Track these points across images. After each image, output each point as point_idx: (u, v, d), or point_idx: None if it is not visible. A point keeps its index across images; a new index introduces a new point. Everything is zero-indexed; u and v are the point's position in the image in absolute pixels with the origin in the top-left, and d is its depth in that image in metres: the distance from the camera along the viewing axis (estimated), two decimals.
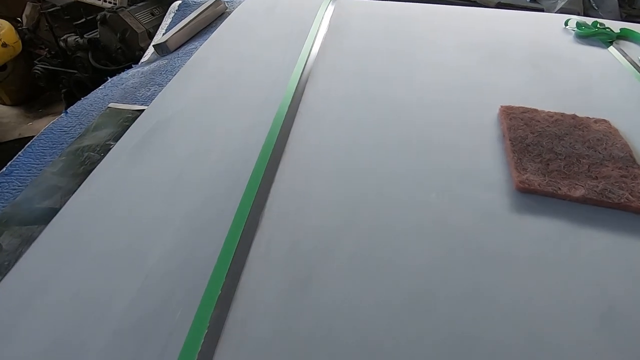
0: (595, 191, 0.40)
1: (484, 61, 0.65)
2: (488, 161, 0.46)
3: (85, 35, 2.23)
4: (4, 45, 2.11)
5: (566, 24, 0.77)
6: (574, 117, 0.51)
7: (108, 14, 2.16)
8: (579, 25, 0.75)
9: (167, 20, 0.98)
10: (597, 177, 0.42)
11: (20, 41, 2.18)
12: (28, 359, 0.29)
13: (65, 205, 0.41)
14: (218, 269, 0.34)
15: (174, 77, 0.61)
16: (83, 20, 2.04)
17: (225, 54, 0.67)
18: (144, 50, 2.35)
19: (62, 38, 2.03)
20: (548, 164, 0.43)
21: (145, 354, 0.28)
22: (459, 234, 0.38)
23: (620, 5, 1.79)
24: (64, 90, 2.11)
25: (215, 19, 0.89)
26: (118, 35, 2.19)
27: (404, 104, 0.55)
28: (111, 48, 2.22)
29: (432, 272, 0.34)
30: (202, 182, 0.43)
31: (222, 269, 0.34)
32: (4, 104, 2.35)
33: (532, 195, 0.41)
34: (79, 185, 0.44)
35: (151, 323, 0.30)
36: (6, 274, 0.37)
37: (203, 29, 0.86)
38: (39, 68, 2.18)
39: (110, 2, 2.55)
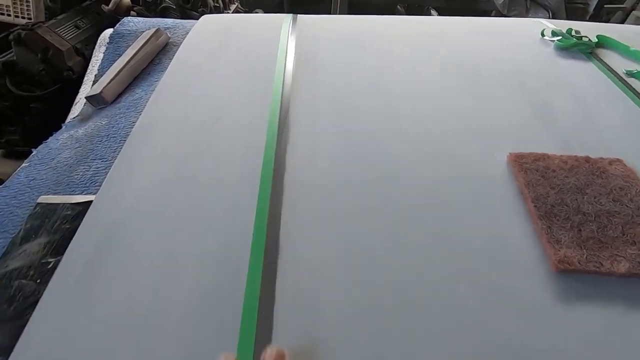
0: (638, 262, 0.36)
1: (471, 91, 0.59)
2: (513, 230, 0.40)
3: None
4: None
5: (542, 34, 0.73)
6: (587, 159, 0.46)
7: (23, 32, 1.88)
8: (554, 33, 0.72)
9: (97, 54, 0.83)
10: (634, 241, 0.38)
11: None
12: None
13: None
14: None
15: (122, 150, 0.48)
16: None
17: (180, 110, 0.56)
18: (72, 69, 2.09)
19: None
20: (580, 231, 0.39)
21: None
22: (498, 337, 0.32)
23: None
24: None
25: (158, 53, 0.76)
26: (39, 55, 1.91)
27: (397, 161, 0.47)
28: (32, 70, 1.95)
29: None
30: (184, 310, 0.33)
31: None
32: None
33: (573, 274, 0.36)
34: (14, 342, 0.33)
35: None
36: None
37: (145, 67, 0.73)
38: None
39: (23, 17, 2.23)
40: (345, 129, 0.52)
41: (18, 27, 2.02)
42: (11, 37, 1.87)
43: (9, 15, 2.21)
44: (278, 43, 0.69)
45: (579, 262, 0.36)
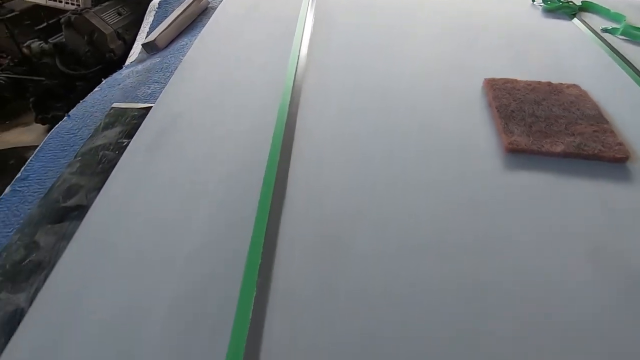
0: (573, 146, 0.46)
1: (464, 41, 0.70)
2: (480, 128, 0.51)
3: (50, 40, 2.15)
4: None
5: (533, 0, 0.83)
6: (549, 84, 0.56)
7: (73, 17, 2.09)
8: (548, 2, 0.81)
9: (148, 18, 0.98)
10: (573, 133, 0.48)
11: None
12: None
13: (95, 204, 0.43)
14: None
15: (172, 76, 0.62)
16: (45, 24, 1.96)
17: (218, 50, 0.69)
18: (113, 51, 2.31)
19: (25, 44, 1.94)
20: (531, 126, 0.49)
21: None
22: (463, 191, 0.43)
23: None
24: (32, 99, 2.03)
25: (200, 14, 0.90)
26: (85, 37, 2.13)
27: (400, 90, 0.59)
28: (79, 51, 2.15)
29: (442, 220, 0.39)
30: (218, 180, 0.46)
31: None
32: None
33: (518, 153, 0.47)
34: (101, 183, 0.46)
35: (196, 306, 0.34)
36: (47, 268, 0.39)
37: (189, 25, 0.87)
38: (3, 78, 2.08)
39: (73, 4, 2.46)
40: (353, 65, 0.64)
41: (68, 12, 2.25)
42: (62, 20, 2.09)
43: (60, 1, 2.45)
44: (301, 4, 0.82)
45: (525, 145, 0.47)
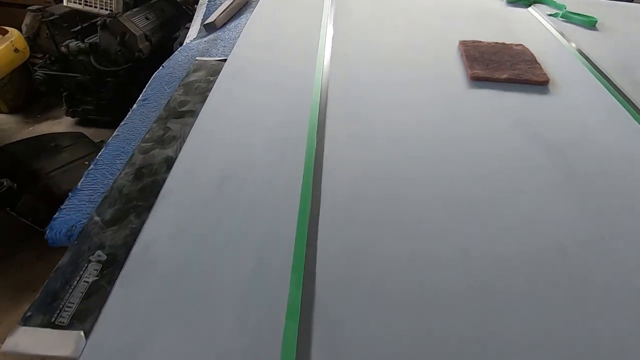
0: (514, 74, 0.71)
1: (447, 19, 0.96)
2: (455, 68, 0.76)
3: (85, 40, 2.42)
4: (16, 50, 2.27)
5: None
6: (503, 44, 0.82)
7: (108, 20, 2.38)
8: None
9: (199, 11, 1.24)
10: (515, 68, 0.73)
11: (28, 47, 2.34)
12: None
13: (203, 108, 0.67)
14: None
15: (237, 42, 0.87)
16: (79, 27, 2.24)
17: (263, 27, 0.94)
18: (142, 51, 2.59)
19: (63, 44, 2.21)
20: (488, 65, 0.74)
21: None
22: (444, 102, 0.67)
23: None
24: (65, 94, 2.29)
25: (245, 4, 1.16)
26: (118, 38, 2.42)
27: (406, 52, 0.84)
28: (111, 51, 2.43)
29: (428, 121, 0.64)
30: (277, 101, 0.70)
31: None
32: (0, 112, 2.46)
33: (479, 81, 0.72)
34: (202, 99, 0.70)
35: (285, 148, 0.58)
36: (179, 139, 0.63)
37: (236, 12, 1.13)
38: (40, 74, 2.33)
39: (105, 9, 2.76)
40: (371, 41, 0.89)
41: (104, 16, 2.55)
42: (99, 22, 2.39)
43: (95, 7, 2.74)
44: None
45: (482, 74, 0.72)
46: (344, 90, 0.69)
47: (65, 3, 2.34)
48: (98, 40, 2.40)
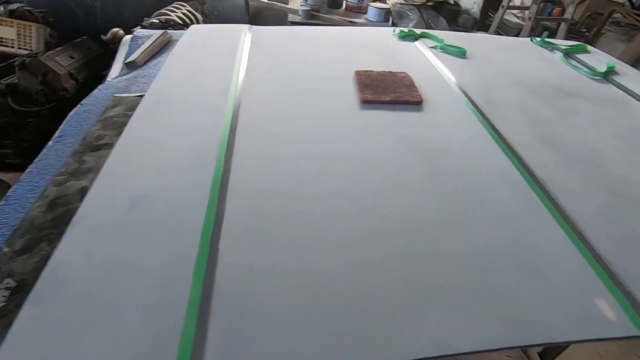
0: (395, 96, 0.86)
1: (349, 52, 1.11)
2: (350, 94, 0.89)
3: (2, 81, 2.33)
4: None
5: (394, 31, 1.29)
6: (390, 72, 0.98)
7: (27, 59, 2.31)
8: (400, 32, 1.28)
9: (122, 50, 1.29)
10: (396, 92, 0.88)
11: None
12: None
13: (121, 137, 0.72)
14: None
15: (158, 74, 0.93)
16: None
17: (179, 67, 1.02)
18: (67, 89, 2.55)
19: None
20: (375, 90, 0.89)
21: None
22: (338, 121, 0.79)
23: (449, 24, 2.56)
24: None
25: (166, 44, 1.23)
26: (39, 78, 2.36)
27: (311, 82, 0.96)
28: (31, 90, 2.35)
29: (327, 136, 0.75)
30: (191, 129, 0.78)
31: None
32: None
33: (368, 103, 0.85)
34: (119, 132, 0.75)
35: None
36: (94, 170, 0.67)
37: (157, 52, 1.20)
38: None
39: (25, 49, 2.67)
40: (283, 67, 1.01)
41: (22, 55, 2.49)
42: (16, 63, 2.33)
43: (12, 47, 2.65)
44: (239, 40, 1.19)
45: (371, 98, 0.85)
46: (253, 117, 0.78)
47: None
48: (17, 81, 2.31)
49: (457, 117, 0.84)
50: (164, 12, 2.42)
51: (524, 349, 1.53)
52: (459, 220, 0.59)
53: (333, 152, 0.71)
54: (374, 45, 1.19)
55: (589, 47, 1.36)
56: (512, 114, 0.87)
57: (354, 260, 0.51)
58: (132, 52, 1.18)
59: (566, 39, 3.61)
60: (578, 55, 1.29)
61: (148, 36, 1.28)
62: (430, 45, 1.20)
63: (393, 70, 0.99)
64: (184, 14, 2.50)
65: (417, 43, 1.22)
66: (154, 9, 2.55)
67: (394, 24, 2.46)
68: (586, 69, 1.16)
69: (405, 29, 1.30)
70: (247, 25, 1.29)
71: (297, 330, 0.43)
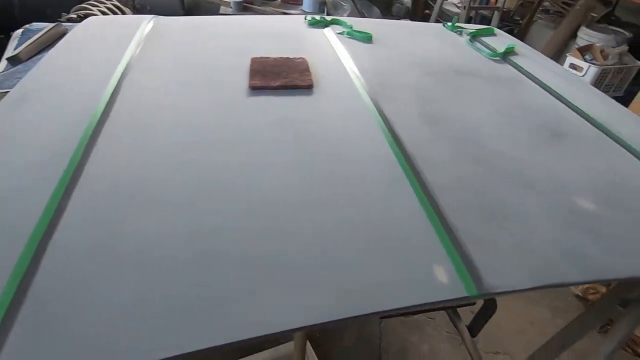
0: (285, 82, 0.85)
1: (253, 41, 1.09)
2: (242, 79, 0.87)
3: None
4: None
5: (305, 19, 1.28)
6: (287, 58, 0.97)
7: None
8: (310, 19, 1.27)
9: (12, 44, 1.19)
10: (288, 77, 0.87)
11: None
12: None
13: None
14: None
15: (34, 66, 0.87)
16: None
17: (57, 61, 0.96)
18: None
19: None
20: (266, 76, 0.87)
21: None
22: (227, 106, 0.77)
23: (382, 14, 2.59)
24: None
25: (58, 38, 1.15)
26: None
27: (206, 71, 0.93)
28: None
29: (214, 119, 0.72)
30: (55, 123, 0.72)
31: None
32: None
33: (257, 89, 0.83)
34: None
35: None
36: None
37: (48, 46, 1.12)
38: None
39: None
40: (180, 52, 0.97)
41: None
42: None
43: None
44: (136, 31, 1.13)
45: (259, 84, 0.84)
46: (128, 109, 0.74)
47: None
48: None
49: (346, 100, 0.84)
50: (85, 7, 2.27)
51: (454, 323, 1.60)
52: (323, 201, 0.58)
53: (208, 139, 0.68)
54: (281, 33, 1.17)
55: (496, 30, 1.42)
56: (402, 96, 0.88)
57: (202, 248, 0.49)
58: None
59: (500, 27, 3.79)
60: (484, 38, 1.33)
61: (43, 28, 1.19)
62: (339, 32, 1.20)
63: (291, 57, 0.98)
64: (108, 8, 2.36)
65: (325, 30, 1.22)
66: (76, 3, 2.39)
67: (329, 15, 2.45)
68: (487, 51, 1.21)
69: (317, 16, 1.29)
70: (151, 16, 1.23)
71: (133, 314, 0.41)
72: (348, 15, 2.51)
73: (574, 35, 3.14)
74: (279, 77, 0.87)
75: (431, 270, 0.49)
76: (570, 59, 2.44)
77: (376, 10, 2.42)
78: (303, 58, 0.97)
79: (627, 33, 2.79)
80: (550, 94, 1.01)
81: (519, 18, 4.11)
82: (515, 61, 1.17)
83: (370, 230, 0.54)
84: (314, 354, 1.56)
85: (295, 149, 0.68)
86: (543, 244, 0.54)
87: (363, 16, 2.47)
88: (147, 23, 1.17)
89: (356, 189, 0.61)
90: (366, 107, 0.81)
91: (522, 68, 1.13)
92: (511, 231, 0.55)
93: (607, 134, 0.85)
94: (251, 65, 0.92)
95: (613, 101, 1.04)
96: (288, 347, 1.46)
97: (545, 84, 1.05)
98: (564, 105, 0.96)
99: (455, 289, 0.47)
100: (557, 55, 3.27)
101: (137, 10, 2.91)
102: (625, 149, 0.81)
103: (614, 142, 0.83)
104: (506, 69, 1.13)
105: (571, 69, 2.42)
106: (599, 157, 0.78)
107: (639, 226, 0.60)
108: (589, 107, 0.94)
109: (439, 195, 0.59)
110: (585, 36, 2.82)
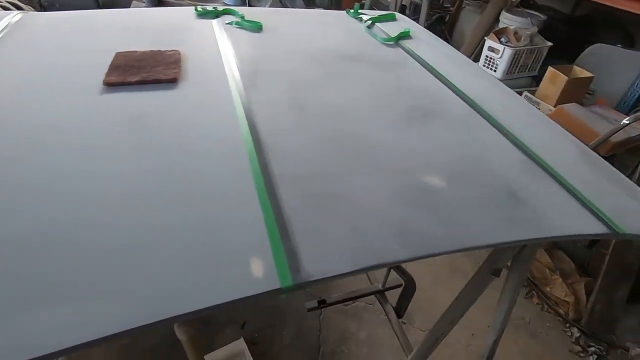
0: (146, 76, 0.79)
1: (133, 34, 1.01)
2: (100, 76, 0.80)
3: None
4: None
5: (195, 10, 1.22)
6: (157, 51, 0.91)
7: None
8: (199, 10, 1.20)
9: None
10: (151, 71, 0.81)
11: None
12: None
13: None
14: None
15: None
16: None
17: None
18: None
19: None
20: (126, 71, 0.81)
21: None
22: (73, 108, 0.70)
23: (306, 4, 2.56)
24: None
25: None
26: None
27: (60, 69, 0.85)
28: None
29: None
30: None
31: None
32: None
33: (112, 86, 0.77)
34: None
35: None
36: None
37: None
38: None
39: None
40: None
41: None
42: None
43: None
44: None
45: (115, 80, 0.77)
46: None
47: None
48: None
49: (212, 93, 0.80)
50: None
51: (383, 306, 1.63)
52: (152, 203, 0.54)
53: (42, 141, 0.62)
54: (166, 26, 1.10)
55: (398, 15, 1.43)
56: (275, 83, 0.86)
57: None
58: None
59: (431, 14, 3.90)
60: (384, 24, 1.34)
61: None
62: (227, 22, 1.15)
63: (162, 49, 0.92)
64: (2, 6, 2.15)
65: (215, 20, 1.16)
66: None
67: (250, 6, 2.39)
68: (383, 36, 1.21)
69: (209, 7, 1.24)
70: (18, 12, 1.12)
71: None
72: (270, 6, 2.45)
73: (497, 20, 3.29)
74: (141, 72, 0.81)
75: (248, 267, 0.47)
76: (488, 42, 2.54)
77: (299, 1, 2.39)
78: (176, 50, 0.91)
79: (541, 15, 2.95)
80: (436, 76, 1.03)
81: (449, 5, 4.25)
82: (408, 45, 1.18)
83: (193, 233, 0.50)
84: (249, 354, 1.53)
85: (142, 145, 0.63)
86: (377, 226, 0.54)
87: (285, 7, 2.43)
88: (10, 18, 1.05)
89: (197, 188, 0.57)
90: (232, 98, 0.78)
91: (413, 51, 1.14)
92: (347, 216, 0.55)
93: (478, 112, 0.88)
94: (113, 60, 0.85)
95: (498, 82, 1.08)
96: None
97: (432, 66, 1.06)
98: (445, 87, 0.98)
99: (269, 283, 0.45)
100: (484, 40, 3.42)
101: (44, 8, 2.68)
102: (491, 124, 0.83)
103: (483, 119, 0.85)
104: (397, 53, 1.14)
105: (490, 52, 2.53)
106: (464, 135, 0.79)
107: (480, 200, 0.62)
108: (468, 86, 0.97)
109: (280, 186, 0.57)
110: (506, 20, 2.96)
